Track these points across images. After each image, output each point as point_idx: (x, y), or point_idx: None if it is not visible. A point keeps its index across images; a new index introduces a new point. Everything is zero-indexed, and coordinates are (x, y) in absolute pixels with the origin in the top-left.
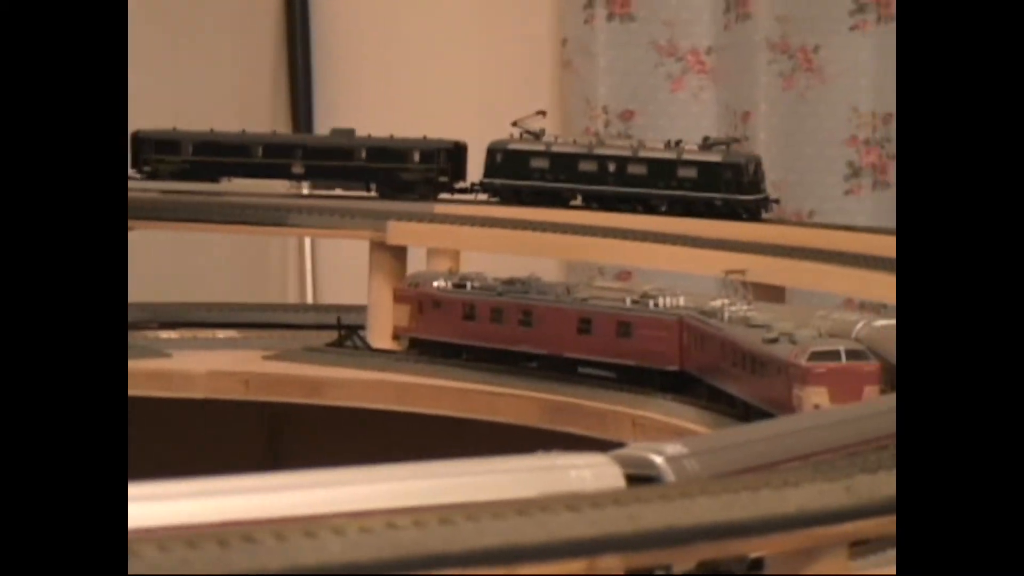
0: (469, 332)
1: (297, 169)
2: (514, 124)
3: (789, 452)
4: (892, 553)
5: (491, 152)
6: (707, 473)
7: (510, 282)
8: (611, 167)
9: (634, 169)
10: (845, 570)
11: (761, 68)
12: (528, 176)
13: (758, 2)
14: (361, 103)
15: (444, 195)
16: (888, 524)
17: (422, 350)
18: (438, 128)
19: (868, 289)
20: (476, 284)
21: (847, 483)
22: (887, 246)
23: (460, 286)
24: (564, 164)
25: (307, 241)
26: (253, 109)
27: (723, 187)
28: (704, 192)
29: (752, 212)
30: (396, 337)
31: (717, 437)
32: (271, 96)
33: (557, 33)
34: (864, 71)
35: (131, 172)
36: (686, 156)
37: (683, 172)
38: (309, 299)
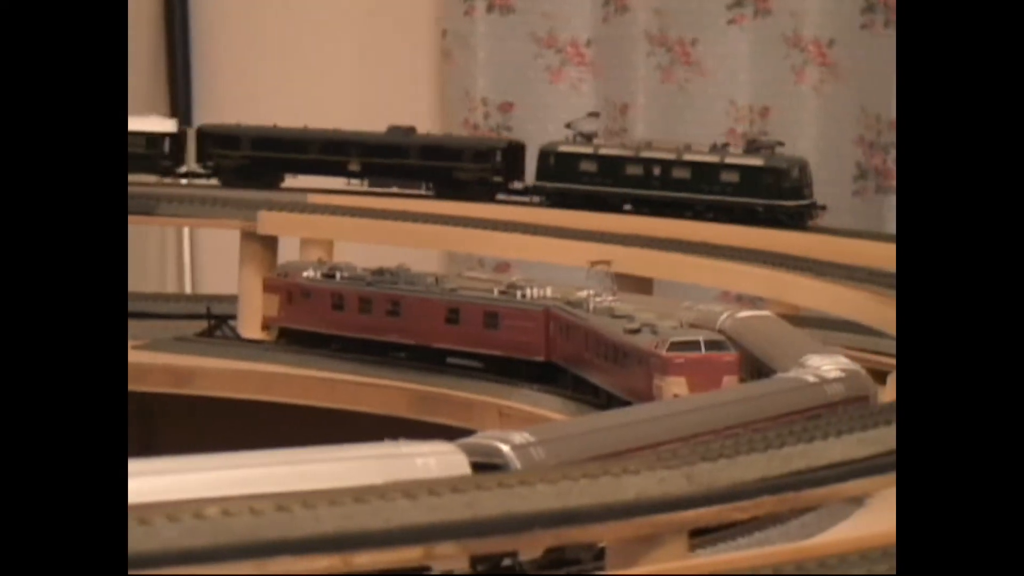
0: (338, 322)
1: (353, 166)
2: (567, 126)
3: (638, 440)
4: (737, 543)
5: (543, 155)
6: (554, 461)
7: (379, 272)
8: (656, 170)
9: (679, 173)
10: (686, 557)
11: (640, 61)
12: (578, 179)
13: None
14: (241, 93)
15: (501, 196)
16: (728, 512)
17: (291, 340)
18: (318, 118)
19: (735, 281)
20: (345, 274)
21: (688, 471)
22: (757, 239)
23: (329, 276)
24: (612, 167)
25: (185, 231)
26: (131, 99)
27: (764, 192)
28: (745, 197)
29: (794, 218)
30: (266, 327)
31: (565, 426)
32: (150, 86)
33: (437, 24)
34: (742, 65)
35: (195, 167)
36: (728, 159)
37: (726, 176)
38: (188, 289)
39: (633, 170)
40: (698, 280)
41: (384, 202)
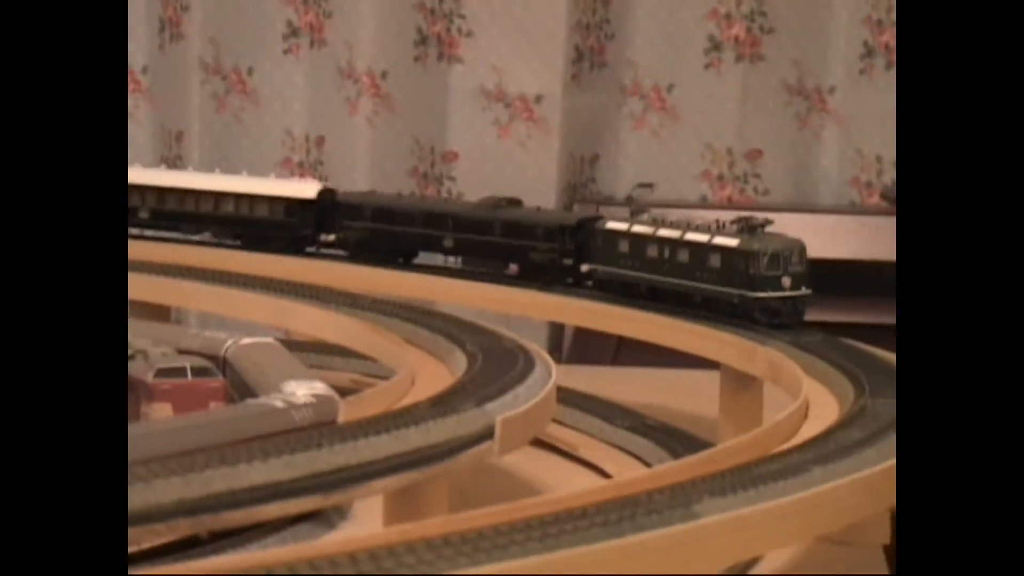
0: None
1: (448, 243)
2: (627, 200)
3: None
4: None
5: (592, 233)
6: None
7: None
8: (666, 252)
9: (681, 255)
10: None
11: (194, 89)
12: (616, 262)
13: (191, 23)
14: None
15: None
16: (142, 534)
17: None
18: None
19: (240, 308)
20: None
21: None
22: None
23: None
24: (636, 248)
25: None
26: None
27: (737, 281)
28: (723, 287)
29: (768, 315)
30: None
31: None
32: None
33: None
34: (297, 94)
35: (330, 237)
36: (715, 240)
37: (712, 260)
38: None
39: (652, 252)
40: (207, 308)
41: None
